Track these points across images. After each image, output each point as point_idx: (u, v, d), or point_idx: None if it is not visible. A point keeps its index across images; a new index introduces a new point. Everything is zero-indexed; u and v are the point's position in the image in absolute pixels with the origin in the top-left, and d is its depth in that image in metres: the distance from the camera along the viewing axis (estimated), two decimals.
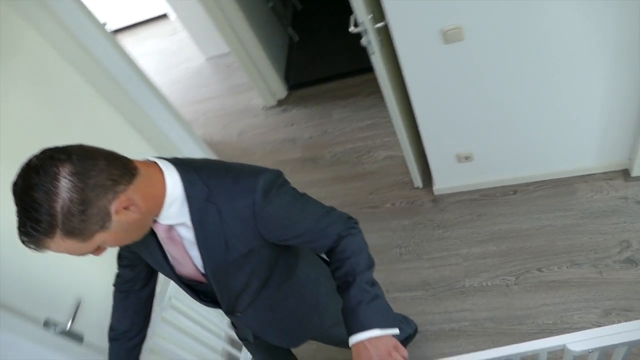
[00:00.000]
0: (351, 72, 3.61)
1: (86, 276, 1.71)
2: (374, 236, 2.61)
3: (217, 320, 2.11)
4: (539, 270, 2.17)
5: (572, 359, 1.12)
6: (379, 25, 1.87)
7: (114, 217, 0.85)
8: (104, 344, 1.36)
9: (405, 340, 2.04)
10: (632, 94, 1.94)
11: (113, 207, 0.84)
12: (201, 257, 1.03)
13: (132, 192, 0.87)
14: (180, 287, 1.18)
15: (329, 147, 3.22)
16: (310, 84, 3.76)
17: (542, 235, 2.27)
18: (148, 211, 0.92)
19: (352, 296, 1.00)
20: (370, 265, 1.06)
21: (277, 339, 1.42)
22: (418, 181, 2.68)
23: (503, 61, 1.88)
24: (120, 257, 1.27)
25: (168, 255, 1.10)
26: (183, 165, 0.99)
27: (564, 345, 1.08)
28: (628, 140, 2.15)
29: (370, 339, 0.96)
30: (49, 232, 0.80)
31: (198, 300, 1.22)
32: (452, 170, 2.46)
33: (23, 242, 0.82)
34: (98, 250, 0.90)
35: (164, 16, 5.52)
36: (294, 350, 1.81)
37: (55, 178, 0.78)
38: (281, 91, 3.75)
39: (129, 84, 2.20)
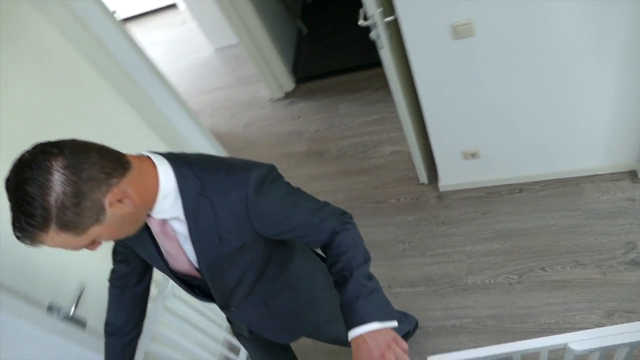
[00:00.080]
0: (359, 66, 3.59)
1: (90, 262, 1.72)
2: (377, 231, 2.61)
3: (218, 310, 2.11)
4: (543, 269, 2.16)
5: (573, 359, 1.12)
6: (389, 19, 1.86)
7: (108, 210, 0.85)
8: None
9: (404, 336, 2.04)
10: None
11: (107, 200, 0.85)
12: (195, 252, 1.03)
13: (126, 185, 0.87)
14: (175, 281, 1.18)
15: (335, 140, 3.22)
16: (318, 77, 3.75)
17: (546, 235, 2.26)
18: (142, 204, 0.92)
19: (350, 291, 1.00)
20: (367, 259, 1.05)
21: (272, 334, 1.42)
22: (424, 177, 2.67)
23: (512, 58, 1.86)
24: (115, 252, 1.27)
25: (162, 250, 1.10)
26: (176, 160, 0.99)
27: (566, 344, 1.08)
28: (636, 141, 2.13)
29: (369, 333, 0.96)
30: (44, 226, 0.80)
31: (192, 295, 1.23)
32: (458, 167, 2.45)
33: (18, 237, 0.82)
34: (93, 244, 0.91)
35: (173, 6, 5.51)
36: (294, 344, 1.81)
37: (48, 172, 0.78)
38: (289, 84, 3.74)
39: (137, 73, 2.20)
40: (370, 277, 1.03)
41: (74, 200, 0.80)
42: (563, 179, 2.39)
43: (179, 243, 1.05)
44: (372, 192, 2.81)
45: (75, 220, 0.82)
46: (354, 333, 0.97)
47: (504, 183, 2.49)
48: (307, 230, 1.07)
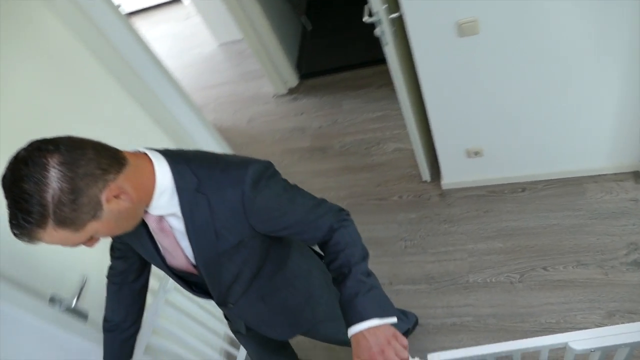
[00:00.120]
0: (364, 63, 3.58)
1: (92, 254, 1.72)
2: (379, 228, 2.61)
3: None
4: (544, 268, 2.16)
5: (574, 358, 1.12)
6: (394, 15, 1.86)
7: (105, 206, 0.86)
8: None
9: (404, 333, 2.04)
10: None
11: (104, 196, 0.85)
12: (191, 248, 1.03)
13: (122, 181, 0.88)
14: (172, 278, 1.18)
15: (339, 137, 3.21)
16: (322, 73, 3.74)
17: (549, 234, 2.25)
18: (139, 200, 0.93)
19: (349, 288, 1.00)
20: (365, 256, 1.06)
21: (269, 331, 1.42)
22: (426, 175, 2.67)
23: (517, 57, 1.86)
24: (112, 248, 1.27)
25: (159, 247, 1.11)
26: (173, 156, 0.99)
27: (566, 344, 1.07)
28: None
29: (369, 329, 0.96)
30: (41, 222, 0.80)
31: (190, 292, 1.23)
32: (461, 165, 2.45)
33: (15, 235, 0.82)
34: (91, 240, 0.91)
35: (177, 0, 5.51)
36: (293, 341, 1.82)
37: (44, 168, 0.78)
38: (292, 79, 3.74)
39: (141, 67, 2.20)
40: (369, 273, 1.03)
41: (70, 197, 0.80)
42: (566, 178, 2.39)
43: (176, 239, 1.05)
44: (374, 189, 2.81)
45: (72, 217, 0.82)
46: (353, 330, 0.97)
47: (507, 182, 2.49)
48: (303, 227, 1.07)
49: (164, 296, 1.77)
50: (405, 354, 0.94)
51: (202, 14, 4.36)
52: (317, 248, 1.20)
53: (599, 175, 2.33)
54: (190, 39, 4.91)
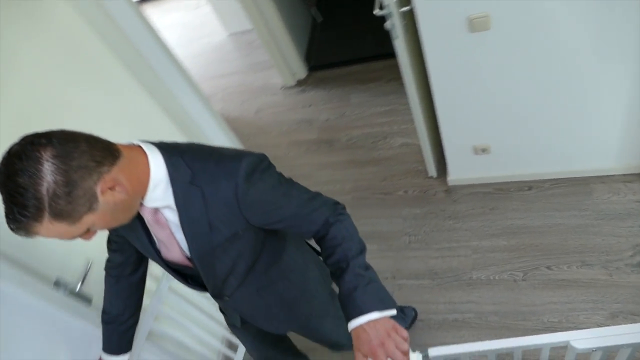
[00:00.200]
0: (373, 56, 3.57)
1: (98, 239, 1.73)
2: (384, 222, 2.61)
3: None
4: (549, 268, 2.16)
5: (575, 357, 1.12)
6: (405, 9, 1.85)
7: (101, 198, 0.86)
8: None
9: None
10: None
11: (98, 188, 0.85)
12: (186, 240, 1.04)
13: (117, 173, 0.88)
14: (167, 270, 1.18)
15: (346, 130, 3.21)
16: (331, 66, 3.73)
17: (554, 233, 2.25)
18: (134, 192, 0.93)
19: (347, 282, 1.00)
20: (362, 249, 1.05)
21: (265, 324, 1.42)
22: (432, 170, 2.66)
23: (527, 54, 1.84)
24: (109, 241, 1.28)
25: (155, 239, 1.11)
26: (167, 149, 0.99)
27: (568, 342, 1.07)
28: None
29: (368, 322, 0.96)
30: (37, 216, 0.80)
31: (185, 284, 1.24)
32: (467, 161, 2.44)
33: (12, 229, 0.82)
34: (88, 233, 0.91)
35: None
36: (295, 337, 1.82)
37: (38, 162, 0.78)
38: (301, 71, 3.73)
39: (151, 55, 2.20)
40: (367, 267, 1.03)
41: (65, 189, 0.80)
42: (573, 178, 2.37)
43: (172, 232, 1.06)
44: (380, 183, 2.81)
45: (68, 209, 0.82)
46: (353, 324, 0.98)
47: (514, 180, 2.48)
48: (298, 220, 1.07)
49: (168, 283, 1.78)
50: (405, 346, 0.95)
51: (212, 3, 4.35)
52: (313, 243, 1.20)
53: (607, 175, 2.32)
54: (200, 28, 4.91)
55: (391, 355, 0.93)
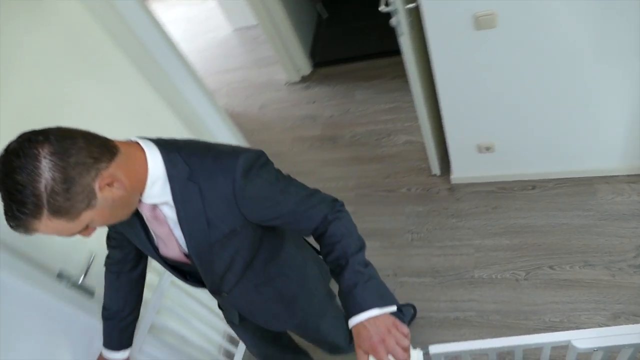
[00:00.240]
0: (378, 53, 3.56)
1: (102, 232, 1.74)
2: (386, 219, 2.61)
3: None
4: (551, 267, 2.15)
5: (576, 356, 1.12)
6: (410, 5, 1.84)
7: (99, 195, 0.86)
8: None
9: None
10: None
11: (97, 185, 0.85)
12: (184, 236, 1.04)
13: (114, 169, 0.88)
14: (165, 267, 1.19)
15: (349, 127, 3.20)
16: (336, 62, 3.73)
17: (557, 233, 2.24)
18: (132, 188, 0.93)
19: (347, 279, 1.00)
20: (362, 246, 1.05)
21: (263, 321, 1.43)
22: (436, 168, 2.66)
23: (533, 53, 1.83)
24: (109, 237, 1.29)
25: (153, 236, 1.12)
26: (165, 145, 1.00)
27: (569, 342, 1.07)
28: None
29: (369, 319, 0.96)
30: (36, 213, 0.81)
31: (184, 281, 1.24)
32: (471, 160, 2.43)
33: (11, 227, 0.83)
34: (87, 230, 0.91)
35: None
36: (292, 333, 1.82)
37: (36, 159, 0.79)
38: (305, 67, 3.72)
39: (156, 49, 2.20)
40: (367, 264, 1.03)
41: (63, 186, 0.81)
42: (577, 178, 2.36)
43: (170, 228, 1.06)
44: (383, 181, 2.80)
45: (67, 206, 0.82)
46: (354, 321, 0.97)
47: (517, 179, 2.47)
48: (296, 217, 1.07)
49: (170, 277, 1.79)
50: (406, 342, 0.94)
51: None
52: (312, 241, 1.19)
53: (611, 176, 2.31)
54: (205, 23, 4.91)
55: (392, 352, 0.93)
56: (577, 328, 1.95)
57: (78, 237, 0.92)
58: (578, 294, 2.04)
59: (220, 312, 2.12)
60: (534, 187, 2.43)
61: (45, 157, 0.79)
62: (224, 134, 2.64)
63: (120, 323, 1.37)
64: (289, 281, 1.32)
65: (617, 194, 2.25)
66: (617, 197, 2.25)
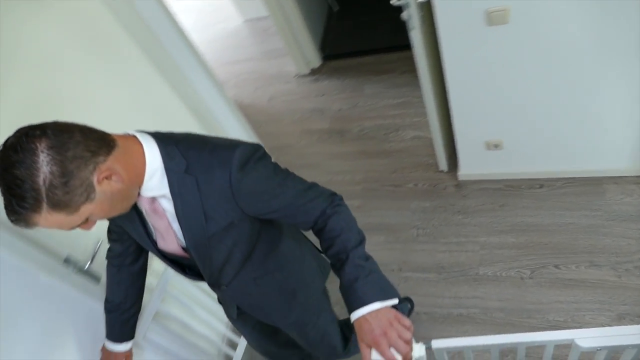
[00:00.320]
0: (388, 47, 3.54)
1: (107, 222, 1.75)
2: (392, 214, 2.61)
3: None
4: (556, 266, 2.14)
5: (579, 356, 1.11)
6: (422, 0, 1.83)
7: (98, 188, 0.87)
8: None
9: None
10: None
11: (95, 178, 0.86)
12: (181, 229, 1.04)
13: (112, 163, 0.89)
14: (163, 261, 1.20)
15: (358, 121, 3.20)
16: (346, 55, 3.71)
17: (564, 233, 2.23)
18: (130, 181, 0.94)
19: (348, 273, 1.00)
20: (362, 240, 1.05)
21: (262, 315, 1.43)
22: (443, 164, 2.65)
23: (544, 50, 1.82)
24: (109, 231, 1.30)
25: (152, 229, 1.12)
26: (162, 138, 1.00)
27: (573, 340, 1.07)
28: None
29: (370, 312, 0.96)
30: (36, 207, 0.81)
31: (183, 274, 1.25)
32: (479, 157, 2.42)
33: (12, 221, 0.83)
34: (87, 223, 0.92)
35: None
36: None
37: (34, 153, 0.79)
38: (315, 60, 3.71)
39: (167, 38, 2.20)
40: (367, 257, 1.03)
41: (62, 180, 0.81)
42: (586, 177, 2.35)
43: (169, 221, 1.06)
44: (390, 175, 2.80)
45: (66, 199, 0.83)
46: (356, 315, 0.98)
47: (525, 177, 2.46)
48: (293, 210, 1.07)
49: None
50: (408, 335, 0.95)
51: None
52: (310, 236, 1.18)
53: (620, 176, 2.29)
54: (216, 14, 4.90)
55: (394, 345, 0.93)
56: (581, 328, 1.95)
57: (79, 230, 0.93)
58: (583, 294, 2.04)
59: None
60: (541, 186, 2.41)
61: (43, 151, 0.80)
62: (232, 125, 2.64)
63: (121, 316, 1.39)
64: (287, 274, 1.33)
65: (626, 195, 2.24)
66: (626, 198, 2.23)
